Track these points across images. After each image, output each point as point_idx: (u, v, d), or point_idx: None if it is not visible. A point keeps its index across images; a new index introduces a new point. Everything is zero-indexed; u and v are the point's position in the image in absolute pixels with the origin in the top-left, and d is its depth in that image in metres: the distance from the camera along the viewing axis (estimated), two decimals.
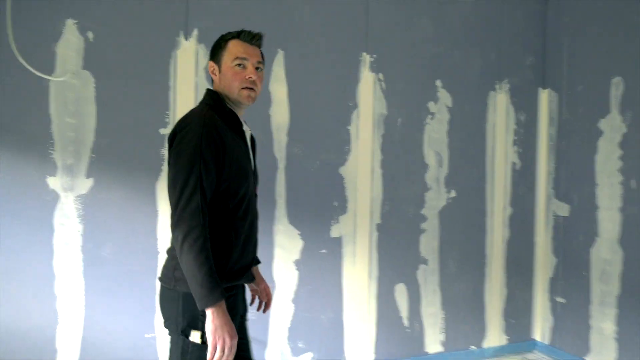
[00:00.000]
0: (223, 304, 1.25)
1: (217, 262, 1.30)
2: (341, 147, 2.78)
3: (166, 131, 2.41)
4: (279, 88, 2.63)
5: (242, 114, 1.51)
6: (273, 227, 2.62)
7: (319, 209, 2.73)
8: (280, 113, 2.64)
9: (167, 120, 2.41)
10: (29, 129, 2.19)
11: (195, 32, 2.46)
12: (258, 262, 1.65)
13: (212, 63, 1.47)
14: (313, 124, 2.71)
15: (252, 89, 1.42)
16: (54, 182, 2.23)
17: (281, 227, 2.64)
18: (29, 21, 2.17)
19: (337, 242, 2.77)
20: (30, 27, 2.18)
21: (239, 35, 1.44)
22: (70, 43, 2.25)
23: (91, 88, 2.29)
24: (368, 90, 2.83)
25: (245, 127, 1.52)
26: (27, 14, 2.17)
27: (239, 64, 1.41)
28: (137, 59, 2.37)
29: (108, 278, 2.30)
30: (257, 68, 1.44)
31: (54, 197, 2.23)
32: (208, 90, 1.48)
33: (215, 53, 1.47)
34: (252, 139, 1.58)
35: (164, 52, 2.41)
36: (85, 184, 2.27)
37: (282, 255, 2.64)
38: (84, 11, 2.25)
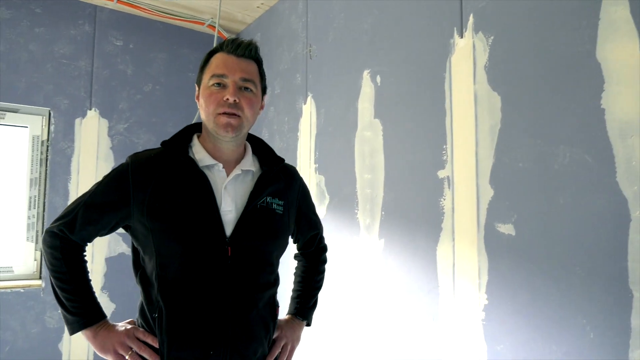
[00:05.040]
0: (92, 328, 1.08)
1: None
2: None
3: (445, 173, 1.70)
4: (620, 49, 1.23)
5: (231, 150, 1.16)
6: None
7: None
8: (624, 100, 1.21)
9: (444, 157, 1.71)
10: (343, 192, 2.23)
11: (470, 20, 1.64)
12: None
13: (197, 87, 1.18)
14: None
15: (232, 114, 1.08)
16: (358, 243, 2.10)
17: None
18: (329, 77, 2.26)
19: None
20: (330, 83, 2.26)
21: (222, 46, 1.14)
22: (365, 95, 2.12)
23: (380, 138, 2.02)
24: None
25: (243, 167, 1.17)
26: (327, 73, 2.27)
27: (217, 83, 1.10)
28: (411, 83, 1.88)
29: None
30: (244, 88, 1.11)
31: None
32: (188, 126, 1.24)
33: (199, 74, 1.18)
34: (269, 176, 1.20)
35: (437, 63, 1.76)
36: (377, 246, 1.99)
37: None
38: (375, 57, 2.07)
